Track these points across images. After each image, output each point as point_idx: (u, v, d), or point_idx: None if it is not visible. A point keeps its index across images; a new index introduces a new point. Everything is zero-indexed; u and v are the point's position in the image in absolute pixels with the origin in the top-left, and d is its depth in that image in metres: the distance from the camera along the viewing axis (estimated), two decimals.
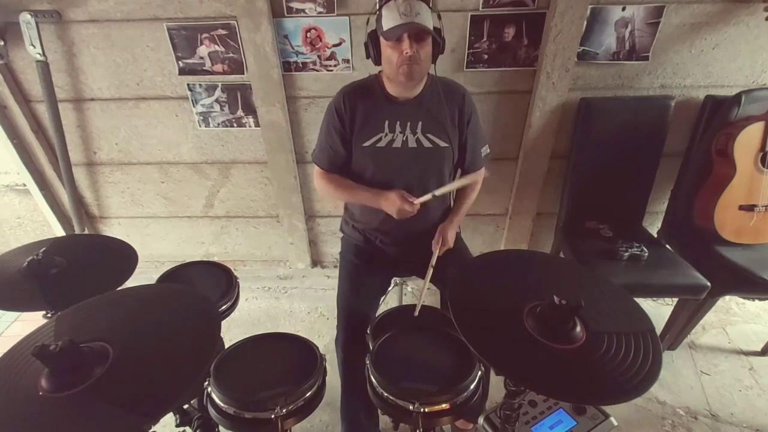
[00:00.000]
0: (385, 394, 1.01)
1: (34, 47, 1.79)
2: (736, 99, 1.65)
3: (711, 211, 1.67)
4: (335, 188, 1.40)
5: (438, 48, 1.23)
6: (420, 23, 1.13)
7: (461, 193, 1.51)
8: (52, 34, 1.83)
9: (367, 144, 1.33)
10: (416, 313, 1.25)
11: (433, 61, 1.26)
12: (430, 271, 1.31)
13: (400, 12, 1.13)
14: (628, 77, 1.82)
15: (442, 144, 1.35)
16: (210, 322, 0.89)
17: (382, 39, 1.20)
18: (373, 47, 1.25)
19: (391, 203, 1.28)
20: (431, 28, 1.18)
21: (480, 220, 2.28)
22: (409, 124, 1.32)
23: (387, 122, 1.32)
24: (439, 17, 1.23)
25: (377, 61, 1.27)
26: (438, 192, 1.28)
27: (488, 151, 1.49)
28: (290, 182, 2.13)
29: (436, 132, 1.34)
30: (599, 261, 1.71)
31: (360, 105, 1.32)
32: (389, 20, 1.15)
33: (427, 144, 1.33)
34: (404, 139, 1.32)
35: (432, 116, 1.33)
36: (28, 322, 2.23)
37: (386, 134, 1.32)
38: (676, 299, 1.84)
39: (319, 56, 1.83)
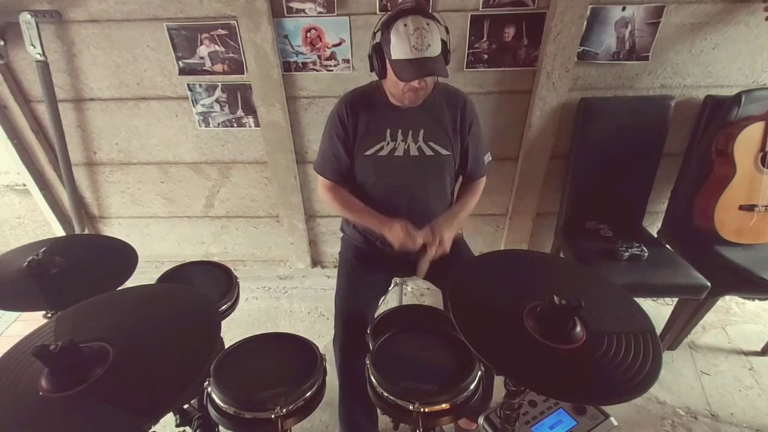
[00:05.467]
0: (385, 394, 1.01)
1: (34, 47, 1.79)
2: (736, 99, 1.66)
3: (711, 211, 1.67)
4: (341, 206, 1.39)
5: (445, 60, 1.21)
6: (431, 57, 1.12)
7: (461, 198, 1.49)
8: (52, 34, 1.83)
9: (368, 153, 1.32)
10: (420, 275, 1.28)
11: None
12: (426, 265, 1.28)
13: (411, 45, 1.09)
14: (628, 77, 1.82)
15: (444, 152, 1.34)
16: (210, 322, 0.89)
17: (388, 64, 1.17)
18: (378, 62, 1.21)
19: (395, 235, 1.27)
20: (441, 53, 1.15)
21: (480, 220, 2.28)
22: (410, 132, 1.31)
23: (389, 130, 1.31)
24: (447, 31, 1.21)
25: (382, 76, 1.25)
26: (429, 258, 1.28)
27: (490, 158, 1.48)
28: (290, 182, 2.13)
29: (438, 140, 1.33)
30: (599, 261, 1.71)
31: (362, 113, 1.31)
32: (399, 51, 1.12)
33: (428, 152, 1.33)
34: (406, 147, 1.32)
35: (433, 124, 1.32)
36: (28, 322, 2.23)
37: (388, 143, 1.31)
38: (676, 299, 1.84)
39: (319, 56, 1.83)
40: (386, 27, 1.15)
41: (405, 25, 1.10)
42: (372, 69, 1.25)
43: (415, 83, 1.16)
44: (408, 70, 1.12)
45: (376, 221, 1.33)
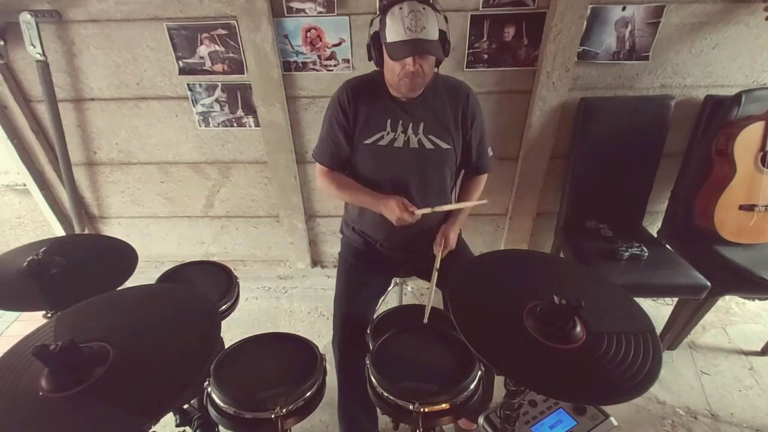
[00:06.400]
0: (385, 394, 1.01)
1: (34, 47, 1.79)
2: (736, 99, 1.66)
3: (711, 210, 1.67)
4: (337, 187, 1.37)
5: (444, 52, 1.21)
6: (426, 39, 1.11)
7: (463, 195, 1.49)
8: (52, 34, 1.83)
9: (368, 142, 1.31)
10: (425, 320, 1.23)
11: (437, 65, 1.25)
12: (435, 275, 1.29)
13: (405, 26, 1.10)
14: (628, 77, 1.82)
15: (444, 146, 1.33)
16: (210, 322, 0.89)
17: (385, 50, 1.18)
18: (375, 50, 1.23)
19: (391, 210, 1.25)
20: (437, 39, 1.15)
21: (480, 220, 2.28)
22: (411, 124, 1.30)
23: (389, 121, 1.30)
24: (446, 20, 1.20)
25: (379, 65, 1.26)
26: (438, 208, 1.27)
27: (491, 153, 1.48)
28: (290, 182, 2.13)
29: (439, 133, 1.32)
30: (599, 261, 1.71)
31: (363, 101, 1.30)
32: (393, 33, 1.13)
33: (429, 145, 1.32)
34: (406, 138, 1.31)
35: (435, 117, 1.31)
36: (28, 322, 2.23)
37: (388, 133, 1.30)
38: (676, 299, 1.84)
39: (319, 56, 1.83)
40: (383, 13, 1.16)
41: (400, 8, 1.12)
42: (370, 58, 1.26)
43: (410, 66, 1.14)
44: (402, 50, 1.12)
45: (371, 199, 1.31)
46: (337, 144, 1.34)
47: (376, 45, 1.22)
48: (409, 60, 1.13)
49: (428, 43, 1.13)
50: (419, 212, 1.25)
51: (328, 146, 1.36)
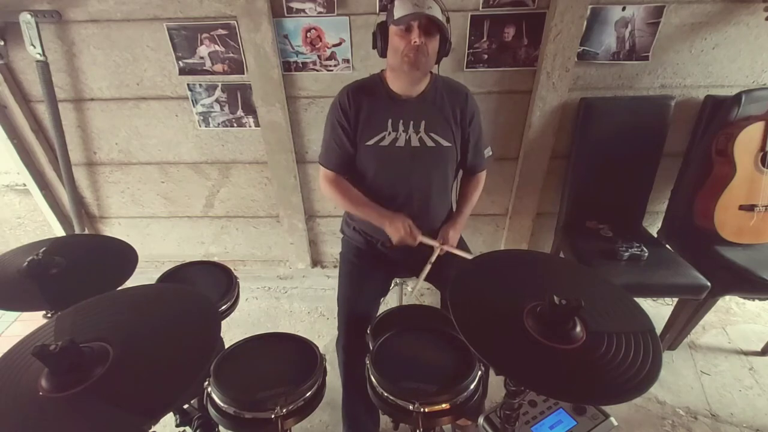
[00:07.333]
0: (385, 394, 1.01)
1: (34, 47, 1.79)
2: (736, 99, 1.66)
3: (711, 211, 1.67)
4: (342, 198, 1.38)
5: (444, 47, 1.24)
6: (431, 15, 1.15)
7: (464, 195, 1.50)
8: (52, 34, 1.83)
9: (370, 143, 1.32)
10: (407, 298, 1.27)
11: (438, 61, 1.27)
12: (428, 268, 1.32)
13: (413, 2, 1.15)
14: (628, 77, 1.82)
15: (445, 143, 1.34)
16: (210, 322, 0.89)
17: (391, 27, 1.20)
18: (381, 38, 1.25)
19: (395, 230, 1.28)
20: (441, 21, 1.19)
21: (480, 220, 2.28)
22: (412, 122, 1.31)
23: (390, 121, 1.31)
24: (448, 20, 1.23)
25: (383, 53, 1.27)
26: (446, 247, 1.32)
27: (491, 152, 1.49)
28: (290, 182, 2.13)
29: (439, 131, 1.33)
30: (599, 261, 1.71)
31: (364, 103, 1.31)
32: (401, 10, 1.17)
33: (430, 143, 1.33)
34: (407, 138, 1.32)
35: (435, 115, 1.32)
36: (28, 322, 2.23)
37: (389, 133, 1.31)
38: (676, 299, 1.84)
39: (319, 56, 1.83)
40: (390, 2, 1.21)
41: None
42: (374, 47, 1.28)
43: (415, 38, 1.16)
44: (408, 17, 1.15)
45: (377, 214, 1.32)
46: (342, 146, 1.34)
47: (382, 34, 1.25)
48: (414, 33, 1.16)
49: (434, 16, 1.16)
50: (421, 238, 1.29)
51: (333, 150, 1.36)
